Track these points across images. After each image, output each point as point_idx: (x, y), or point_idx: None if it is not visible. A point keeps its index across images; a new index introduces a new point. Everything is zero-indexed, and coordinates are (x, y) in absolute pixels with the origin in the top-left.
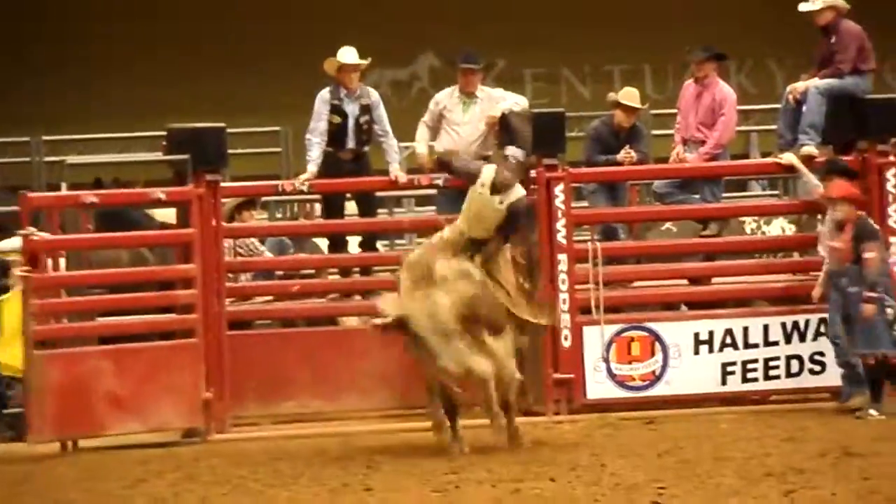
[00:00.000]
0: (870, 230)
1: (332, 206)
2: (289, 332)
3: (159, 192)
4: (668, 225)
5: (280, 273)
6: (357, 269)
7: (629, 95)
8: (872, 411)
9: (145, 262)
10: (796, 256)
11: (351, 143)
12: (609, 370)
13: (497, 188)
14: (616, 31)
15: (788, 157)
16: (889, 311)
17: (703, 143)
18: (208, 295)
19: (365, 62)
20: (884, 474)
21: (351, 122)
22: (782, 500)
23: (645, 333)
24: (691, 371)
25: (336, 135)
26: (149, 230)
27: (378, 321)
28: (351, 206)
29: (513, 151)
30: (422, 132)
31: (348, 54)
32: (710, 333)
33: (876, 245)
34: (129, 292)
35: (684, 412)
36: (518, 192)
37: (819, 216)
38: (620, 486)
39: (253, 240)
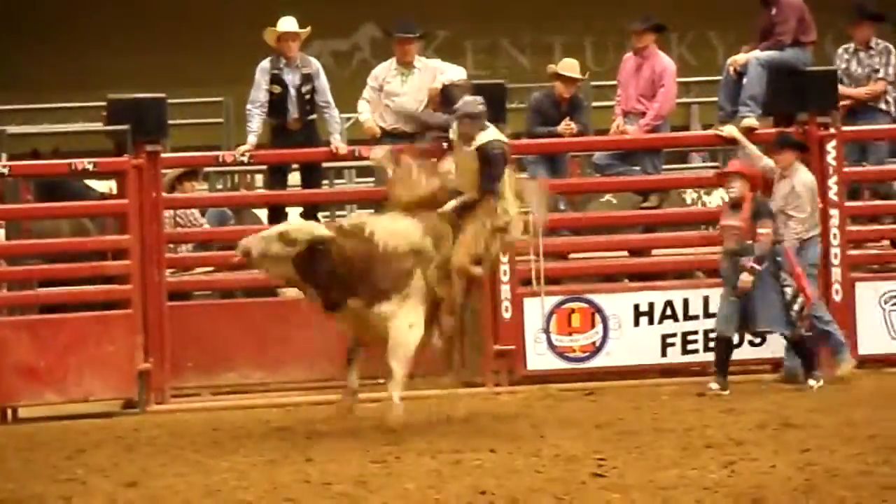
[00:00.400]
0: (767, 209)
1: (276, 177)
2: (229, 303)
3: (86, 162)
4: (608, 196)
5: (220, 244)
6: None
7: (568, 66)
8: (812, 381)
9: (87, 233)
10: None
11: (294, 113)
12: (549, 341)
13: (463, 139)
14: (557, 2)
15: (730, 130)
16: (788, 290)
17: (643, 114)
18: (148, 266)
19: (305, 31)
20: (822, 446)
21: (292, 92)
22: (722, 471)
23: (585, 305)
24: (632, 343)
25: (277, 105)
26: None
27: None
28: (293, 178)
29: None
30: (363, 107)
31: (287, 23)
32: (651, 305)
33: (771, 223)
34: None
35: (625, 384)
36: (489, 135)
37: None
38: (560, 457)
39: (193, 210)
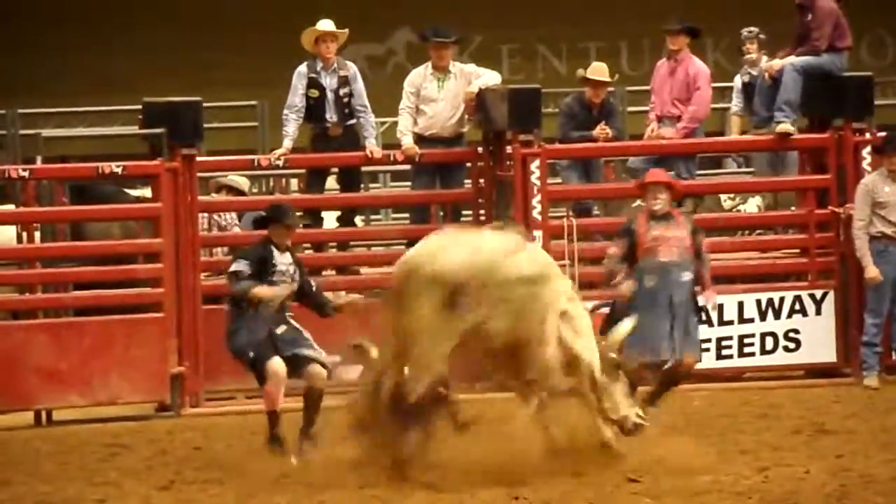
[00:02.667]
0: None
1: (314, 181)
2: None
3: (114, 166)
4: (639, 202)
5: None
6: (333, 244)
7: (597, 70)
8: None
9: (136, 236)
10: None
11: (333, 117)
12: None
13: None
14: (593, 7)
15: (784, 127)
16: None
17: (678, 118)
18: (183, 269)
19: (343, 32)
20: (856, 451)
21: (330, 96)
22: (756, 477)
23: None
24: None
25: (315, 109)
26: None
27: None
28: (330, 182)
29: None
30: (405, 122)
31: (326, 24)
32: None
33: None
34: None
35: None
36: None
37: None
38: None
39: (231, 214)
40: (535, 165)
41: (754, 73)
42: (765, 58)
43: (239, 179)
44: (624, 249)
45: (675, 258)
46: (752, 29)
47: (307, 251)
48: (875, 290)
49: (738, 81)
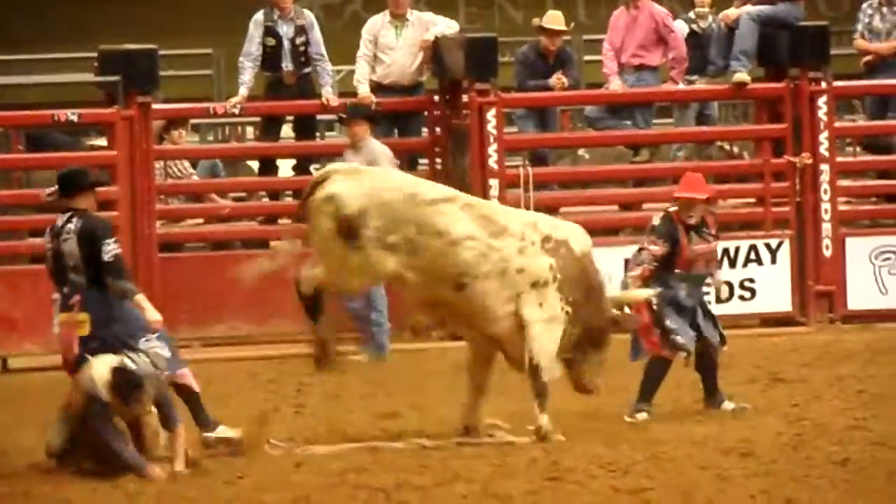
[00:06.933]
0: None
1: (269, 130)
2: (220, 255)
3: (70, 113)
4: (581, 151)
5: (210, 196)
6: (289, 192)
7: (552, 19)
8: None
9: None
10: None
11: (289, 66)
12: None
13: None
14: None
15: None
16: None
17: (641, 67)
18: (139, 217)
19: None
20: (811, 400)
21: (286, 44)
22: (711, 424)
23: None
24: None
25: (271, 58)
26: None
27: None
28: (285, 131)
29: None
30: (362, 70)
31: None
32: None
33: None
34: None
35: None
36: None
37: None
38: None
39: (184, 162)
40: (491, 114)
41: (703, 25)
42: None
43: None
44: (664, 254)
45: (707, 269)
46: None
47: (263, 199)
48: None
49: (682, 27)
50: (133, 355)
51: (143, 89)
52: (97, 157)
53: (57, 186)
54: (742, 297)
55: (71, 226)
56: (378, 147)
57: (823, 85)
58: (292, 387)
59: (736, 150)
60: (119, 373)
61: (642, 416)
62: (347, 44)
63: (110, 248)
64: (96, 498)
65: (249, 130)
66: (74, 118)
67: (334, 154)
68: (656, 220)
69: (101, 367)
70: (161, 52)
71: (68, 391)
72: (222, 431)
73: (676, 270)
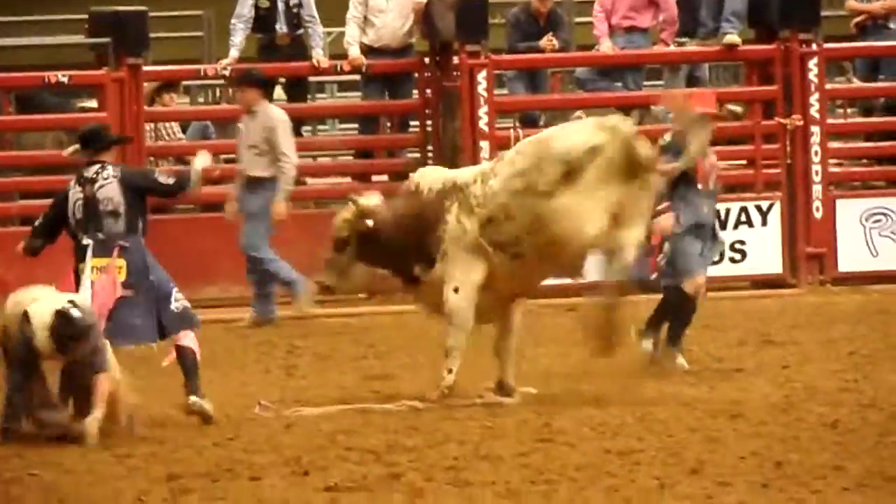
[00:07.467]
0: None
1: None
2: (210, 216)
3: (60, 75)
4: (578, 113)
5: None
6: None
7: None
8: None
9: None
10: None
11: (283, 27)
12: None
13: None
14: None
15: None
16: None
17: (631, 28)
18: None
19: None
20: (801, 362)
21: (281, 6)
22: (701, 387)
23: None
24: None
25: (264, 19)
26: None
27: None
28: (277, 93)
29: None
30: (352, 32)
31: None
32: None
33: None
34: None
35: None
36: None
37: None
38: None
39: (173, 124)
40: (481, 76)
41: None
42: None
43: None
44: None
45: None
46: None
47: None
48: None
49: None
50: (76, 300)
51: (134, 51)
52: (88, 118)
53: (79, 144)
54: (733, 259)
55: (108, 172)
56: (274, 112)
57: (814, 47)
58: (283, 348)
59: (740, 109)
60: (61, 317)
61: (647, 344)
62: (338, 6)
63: (163, 176)
64: (85, 462)
65: None
66: (65, 80)
67: (324, 116)
68: (668, 137)
69: (43, 310)
70: (151, 14)
71: None
72: (206, 404)
73: (698, 186)
